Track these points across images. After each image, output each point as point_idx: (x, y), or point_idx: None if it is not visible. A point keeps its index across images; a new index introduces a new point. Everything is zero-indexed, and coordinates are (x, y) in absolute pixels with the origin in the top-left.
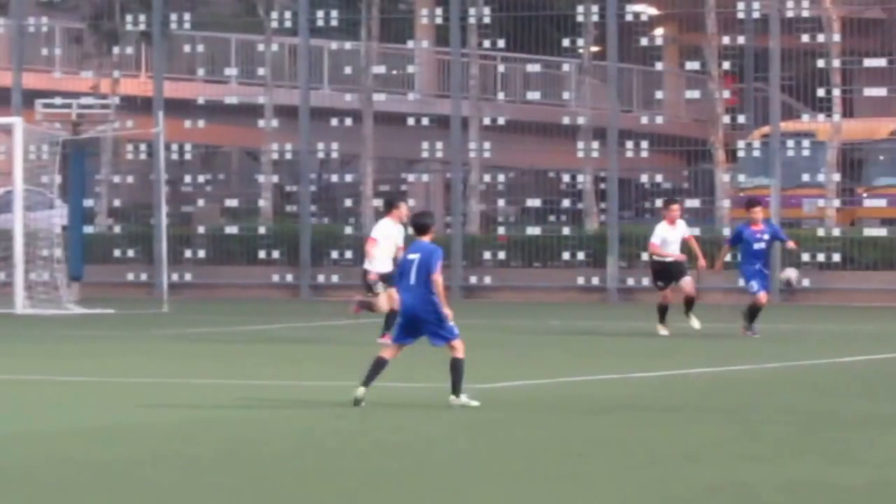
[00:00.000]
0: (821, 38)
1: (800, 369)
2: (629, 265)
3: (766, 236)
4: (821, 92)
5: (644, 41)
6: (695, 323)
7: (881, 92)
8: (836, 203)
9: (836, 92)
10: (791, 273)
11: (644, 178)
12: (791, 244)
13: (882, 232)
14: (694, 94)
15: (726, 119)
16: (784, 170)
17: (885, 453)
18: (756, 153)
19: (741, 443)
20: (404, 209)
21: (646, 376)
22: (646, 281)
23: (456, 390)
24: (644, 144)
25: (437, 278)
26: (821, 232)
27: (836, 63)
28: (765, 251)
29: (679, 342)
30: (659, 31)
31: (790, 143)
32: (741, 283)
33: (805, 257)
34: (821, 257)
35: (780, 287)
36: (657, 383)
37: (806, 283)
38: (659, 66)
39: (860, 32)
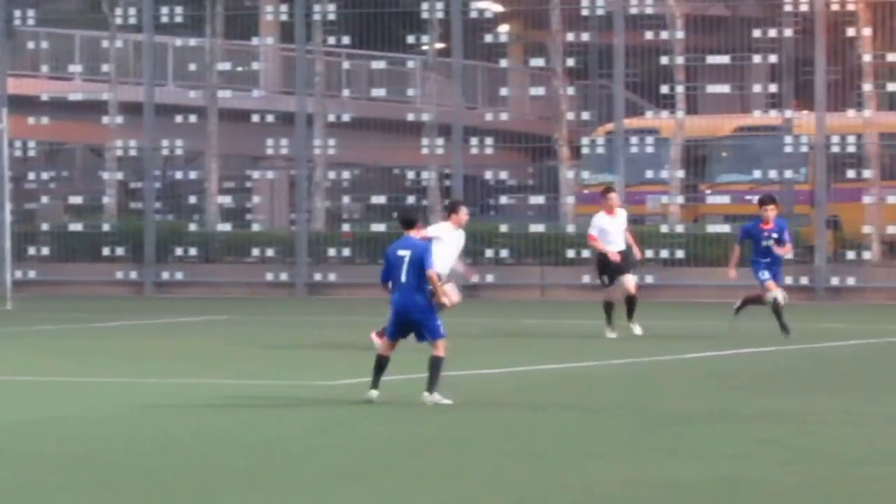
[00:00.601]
0: (665, 34)
1: (643, 366)
2: (473, 262)
3: (775, 235)
4: (665, 89)
5: (489, 38)
6: (637, 329)
7: (725, 89)
8: (680, 200)
9: (680, 89)
10: (779, 295)
11: (489, 175)
12: (786, 249)
13: (725, 228)
14: (538, 90)
15: (570, 116)
16: (628, 166)
17: (724, 448)
18: (600, 150)
19: (585, 439)
20: (464, 214)
21: (493, 373)
22: (490, 277)
23: (430, 387)
24: (489, 141)
25: (433, 274)
26: (664, 228)
27: (680, 60)
28: (771, 250)
29: (527, 340)
30: (504, 28)
31: (634, 139)
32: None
33: (648, 254)
34: (664, 254)
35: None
36: (504, 380)
37: (650, 279)
38: (504, 62)
39: (704, 29)
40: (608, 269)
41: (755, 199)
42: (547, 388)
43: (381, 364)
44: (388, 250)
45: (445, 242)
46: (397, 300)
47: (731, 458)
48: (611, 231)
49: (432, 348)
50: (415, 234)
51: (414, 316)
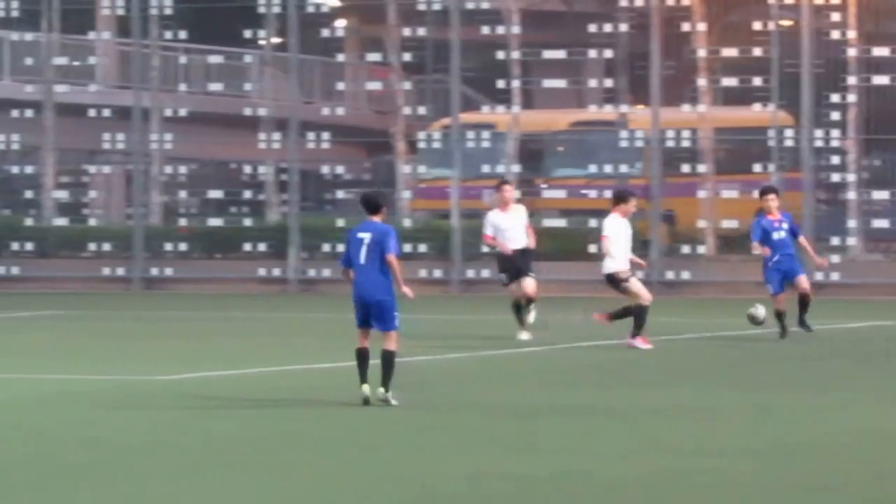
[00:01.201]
0: (501, 29)
1: (477, 360)
2: (310, 256)
3: (786, 225)
4: (501, 83)
5: (325, 32)
6: (523, 335)
7: (560, 83)
8: (516, 194)
9: (516, 83)
10: (760, 311)
11: (325, 170)
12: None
13: (562, 223)
14: (375, 85)
15: (407, 110)
16: (464, 161)
17: (565, 443)
18: (437, 144)
19: (423, 434)
20: (633, 204)
21: (328, 367)
22: (327, 272)
23: (385, 383)
24: (326, 136)
25: (393, 259)
26: None
27: (516, 55)
28: (786, 241)
29: None
30: (340, 23)
31: (470, 134)
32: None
33: None
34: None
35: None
36: (339, 375)
37: (486, 273)
38: (340, 57)
39: (540, 24)
40: (508, 266)
41: (590, 193)
42: None
43: (361, 356)
44: (350, 232)
45: (622, 234)
46: (356, 284)
47: (568, 452)
48: (506, 228)
49: (384, 341)
50: (378, 219)
51: (374, 298)
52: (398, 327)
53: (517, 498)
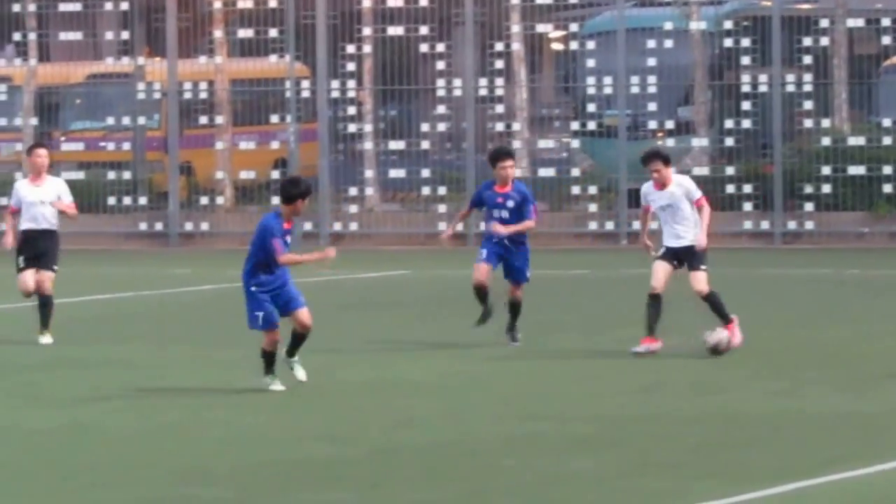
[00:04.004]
0: None
1: None
2: None
3: (511, 203)
4: (17, 36)
5: None
6: (44, 339)
7: (77, 36)
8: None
9: (32, 36)
10: (722, 336)
11: None
12: (525, 225)
13: (80, 175)
14: None
15: None
16: None
17: (73, 394)
18: None
19: None
20: None
21: None
22: None
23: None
24: None
25: (281, 258)
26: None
27: (32, 7)
28: (510, 221)
29: None
30: None
31: None
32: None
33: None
34: None
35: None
36: None
37: None
38: None
39: None
40: (27, 248)
41: (108, 145)
42: None
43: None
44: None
45: None
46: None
47: (78, 404)
48: (32, 202)
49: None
50: (286, 209)
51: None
52: (260, 328)
53: (24, 452)
